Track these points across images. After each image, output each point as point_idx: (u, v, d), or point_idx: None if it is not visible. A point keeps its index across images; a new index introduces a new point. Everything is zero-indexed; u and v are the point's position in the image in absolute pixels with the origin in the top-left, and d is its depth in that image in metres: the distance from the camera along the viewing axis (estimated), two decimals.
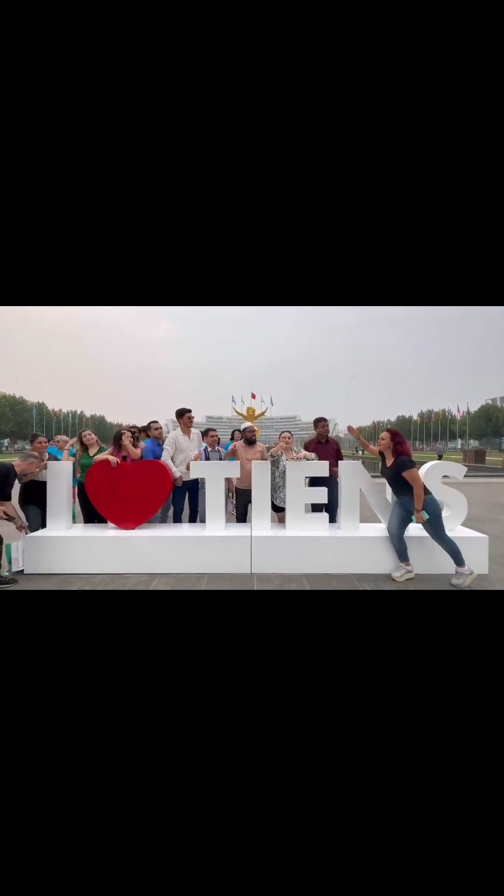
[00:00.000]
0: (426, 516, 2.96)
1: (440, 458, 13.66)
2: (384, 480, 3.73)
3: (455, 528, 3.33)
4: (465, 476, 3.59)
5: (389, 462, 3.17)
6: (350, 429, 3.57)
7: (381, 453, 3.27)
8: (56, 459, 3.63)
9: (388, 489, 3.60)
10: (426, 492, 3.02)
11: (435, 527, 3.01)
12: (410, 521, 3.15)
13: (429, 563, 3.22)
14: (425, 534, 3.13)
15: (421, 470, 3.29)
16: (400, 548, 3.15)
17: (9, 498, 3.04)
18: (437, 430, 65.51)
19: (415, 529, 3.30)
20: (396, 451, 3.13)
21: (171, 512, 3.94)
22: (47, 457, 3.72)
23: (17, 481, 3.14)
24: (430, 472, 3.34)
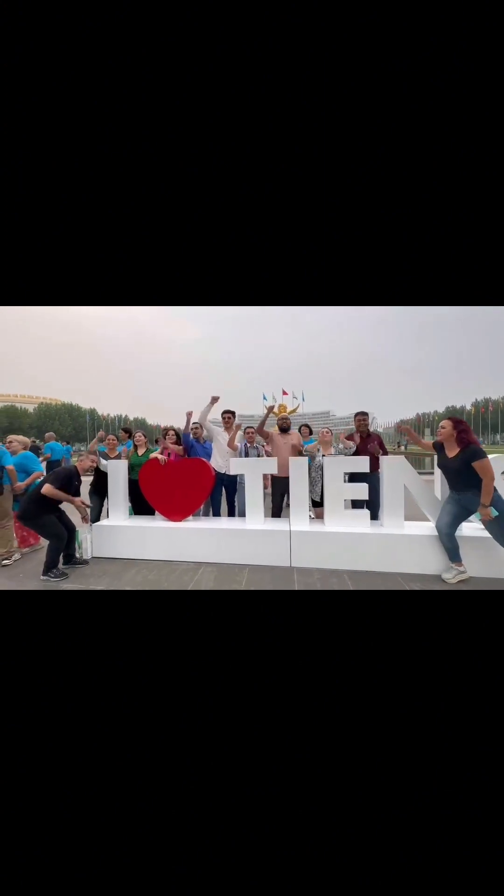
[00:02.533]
0: (494, 513, 2.56)
1: None
2: (432, 476, 3.42)
3: None
4: None
5: (453, 452, 2.73)
6: (402, 428, 3.28)
7: (436, 445, 2.90)
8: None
9: (438, 485, 3.27)
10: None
11: (501, 525, 2.62)
12: (465, 518, 2.80)
13: (487, 567, 2.83)
14: (483, 534, 2.77)
15: None
16: (451, 546, 2.80)
17: (78, 494, 3.38)
18: (495, 420, 59.31)
19: (468, 529, 2.94)
20: (462, 441, 2.72)
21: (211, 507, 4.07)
22: (120, 450, 4.10)
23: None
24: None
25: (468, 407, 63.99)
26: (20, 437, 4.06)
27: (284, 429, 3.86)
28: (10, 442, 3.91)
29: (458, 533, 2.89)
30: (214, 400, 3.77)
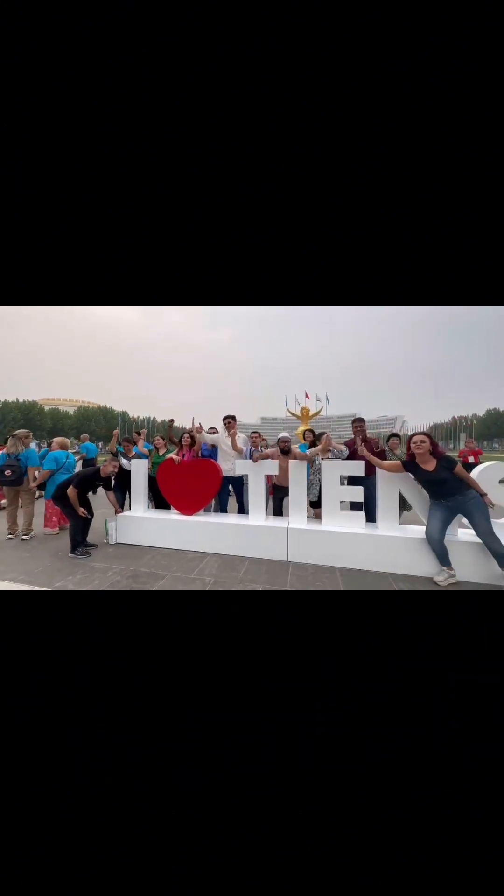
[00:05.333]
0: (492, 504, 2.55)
1: None
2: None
3: None
4: None
5: (431, 465, 2.66)
6: (356, 444, 3.11)
7: (408, 463, 2.77)
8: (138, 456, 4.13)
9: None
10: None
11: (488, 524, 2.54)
12: (451, 520, 2.71)
13: (477, 571, 2.69)
14: (474, 539, 2.63)
15: (473, 472, 2.78)
16: (441, 552, 2.69)
17: (109, 488, 3.53)
18: None
19: (462, 534, 2.80)
20: (436, 453, 2.73)
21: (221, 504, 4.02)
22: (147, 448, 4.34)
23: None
24: (484, 475, 2.75)
25: None
26: (61, 440, 4.44)
27: (285, 451, 3.77)
28: (52, 443, 4.38)
29: (453, 538, 2.77)
30: (199, 429, 3.91)
